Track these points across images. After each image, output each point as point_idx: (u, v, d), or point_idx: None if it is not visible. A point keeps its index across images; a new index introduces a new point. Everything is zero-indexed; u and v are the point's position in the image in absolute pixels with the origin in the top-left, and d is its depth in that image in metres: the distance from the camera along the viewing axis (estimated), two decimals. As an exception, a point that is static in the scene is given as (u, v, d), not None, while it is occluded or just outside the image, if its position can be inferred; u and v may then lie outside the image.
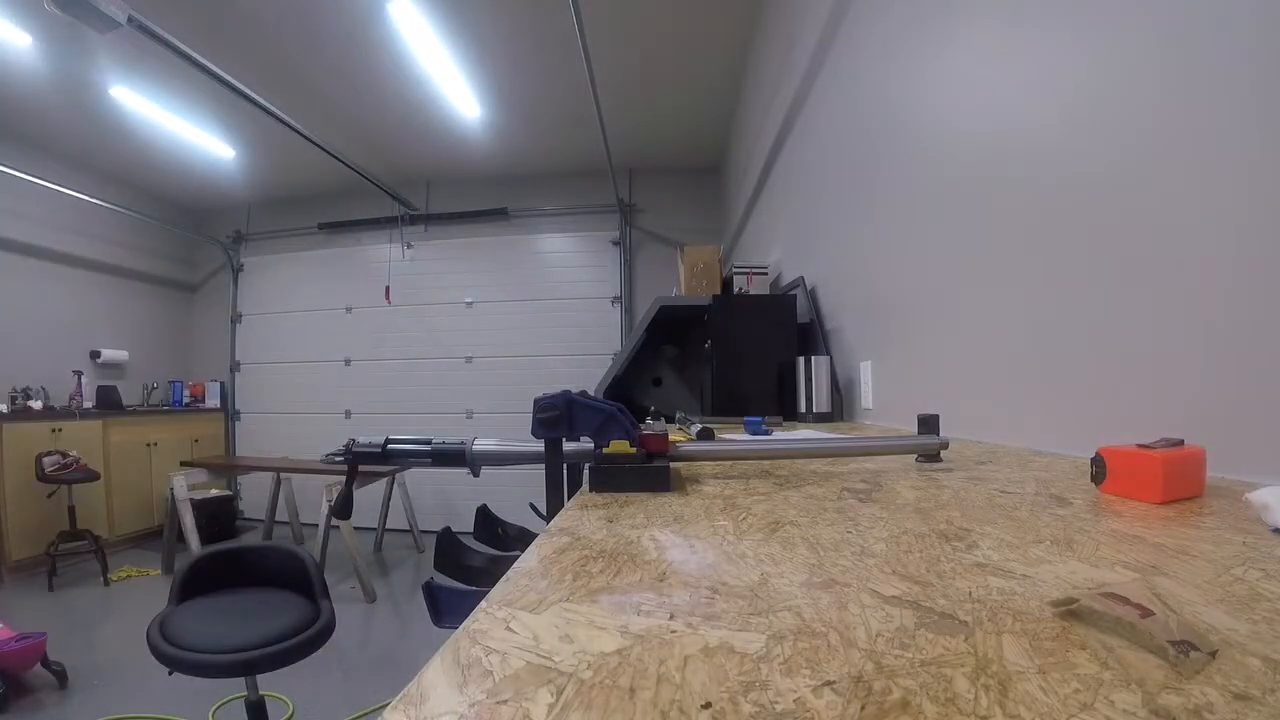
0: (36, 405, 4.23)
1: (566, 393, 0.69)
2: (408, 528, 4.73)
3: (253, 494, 5.34)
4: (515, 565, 0.38)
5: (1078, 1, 0.90)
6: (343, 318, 5.59)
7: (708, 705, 0.21)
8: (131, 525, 4.68)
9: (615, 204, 5.19)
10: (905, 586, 0.33)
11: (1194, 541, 0.41)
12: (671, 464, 0.67)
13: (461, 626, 0.28)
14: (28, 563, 3.85)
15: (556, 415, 0.68)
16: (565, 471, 0.84)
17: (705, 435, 1.02)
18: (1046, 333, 0.98)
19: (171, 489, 3.97)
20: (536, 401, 0.69)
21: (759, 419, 1.42)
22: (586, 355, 5.09)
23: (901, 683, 0.22)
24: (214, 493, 4.87)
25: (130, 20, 2.42)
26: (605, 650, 0.25)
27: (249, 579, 1.60)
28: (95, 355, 4.95)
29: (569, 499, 0.65)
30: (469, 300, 5.42)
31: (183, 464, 4.33)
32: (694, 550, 0.41)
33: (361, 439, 0.88)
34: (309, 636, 1.39)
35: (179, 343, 5.85)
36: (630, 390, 3.02)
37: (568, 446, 0.75)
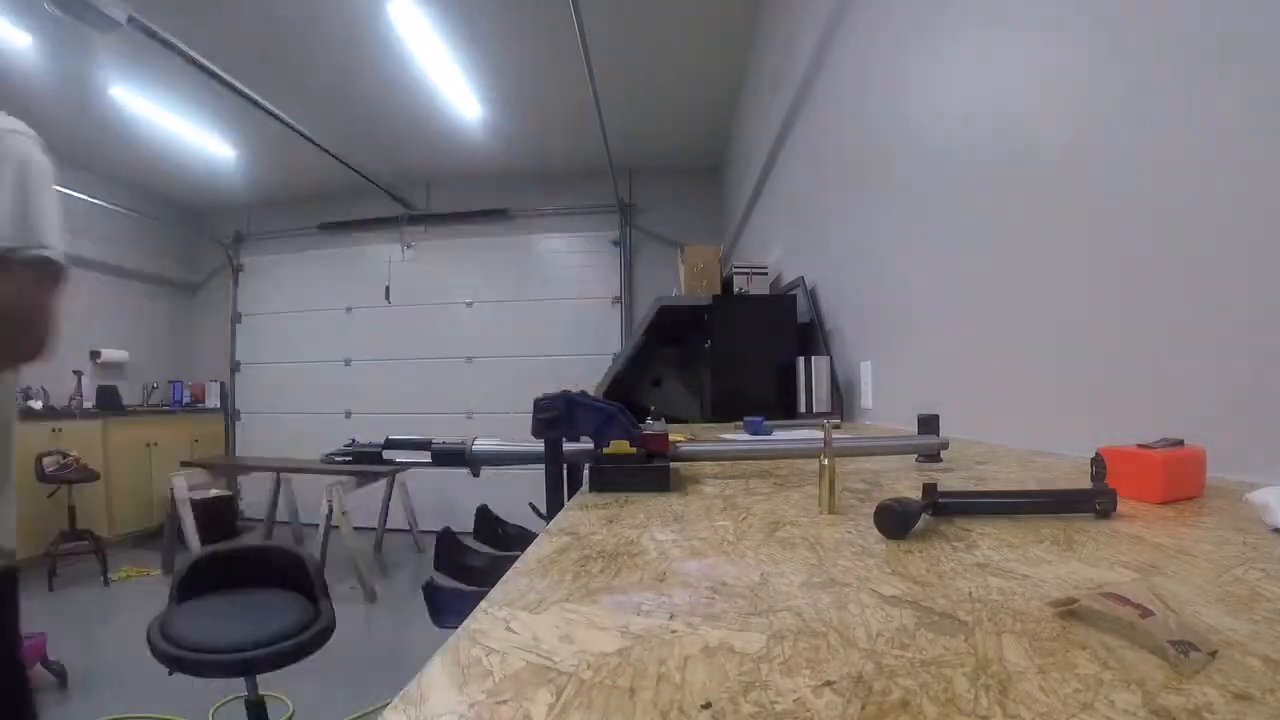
0: (37, 405, 4.23)
1: (566, 393, 0.69)
2: (408, 528, 4.73)
3: (253, 494, 5.33)
4: (515, 565, 0.38)
5: (1078, 5, 0.90)
6: (343, 318, 5.59)
7: (708, 705, 0.21)
8: (131, 525, 4.68)
9: (615, 204, 5.19)
10: (905, 586, 0.33)
11: (1194, 541, 0.41)
12: (672, 464, 0.67)
13: (461, 626, 0.28)
14: (28, 562, 3.83)
15: (556, 415, 0.68)
16: (565, 471, 0.84)
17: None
18: (1047, 332, 0.98)
19: (172, 489, 3.96)
20: (536, 401, 0.69)
21: (759, 419, 1.42)
22: (586, 355, 5.08)
23: (901, 683, 0.22)
24: (214, 493, 4.86)
25: (130, 20, 2.42)
26: (605, 650, 0.25)
27: (249, 579, 1.59)
28: (95, 355, 4.94)
29: (569, 499, 0.65)
30: (469, 300, 5.42)
31: (183, 464, 4.32)
32: (694, 550, 0.41)
33: (362, 439, 0.88)
34: (309, 637, 1.39)
35: (179, 343, 5.85)
36: (630, 390, 3.02)
37: (568, 446, 0.75)
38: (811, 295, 2.35)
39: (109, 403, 4.76)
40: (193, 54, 2.77)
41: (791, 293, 2.43)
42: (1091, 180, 0.86)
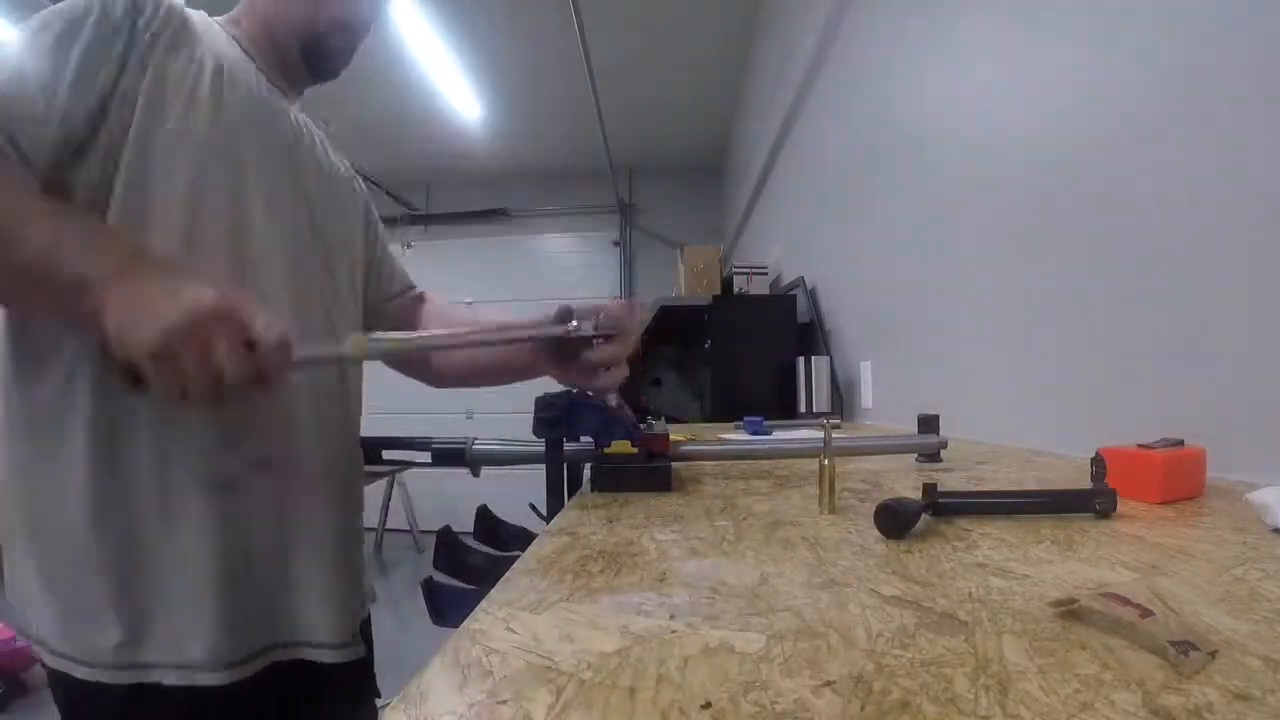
0: None
1: (567, 392, 0.69)
2: (408, 528, 4.73)
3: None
4: (515, 565, 0.38)
5: (1076, 5, 0.90)
6: (343, 318, 5.58)
7: (708, 705, 0.21)
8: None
9: (615, 204, 5.19)
10: (905, 586, 0.33)
11: (1194, 541, 0.41)
12: (672, 464, 0.67)
13: (461, 626, 0.29)
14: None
15: (557, 415, 0.68)
16: (565, 471, 0.84)
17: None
18: (1046, 332, 0.98)
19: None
20: (537, 401, 0.69)
21: (759, 419, 1.42)
22: (586, 355, 5.08)
23: (901, 683, 0.22)
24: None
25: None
26: (605, 650, 0.25)
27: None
28: None
29: (569, 499, 0.65)
30: (469, 300, 5.41)
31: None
32: (694, 550, 0.41)
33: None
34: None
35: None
36: (630, 390, 3.02)
37: (568, 446, 0.75)
38: (811, 295, 2.35)
39: None
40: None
41: (791, 293, 2.43)
42: (1092, 180, 0.86)
